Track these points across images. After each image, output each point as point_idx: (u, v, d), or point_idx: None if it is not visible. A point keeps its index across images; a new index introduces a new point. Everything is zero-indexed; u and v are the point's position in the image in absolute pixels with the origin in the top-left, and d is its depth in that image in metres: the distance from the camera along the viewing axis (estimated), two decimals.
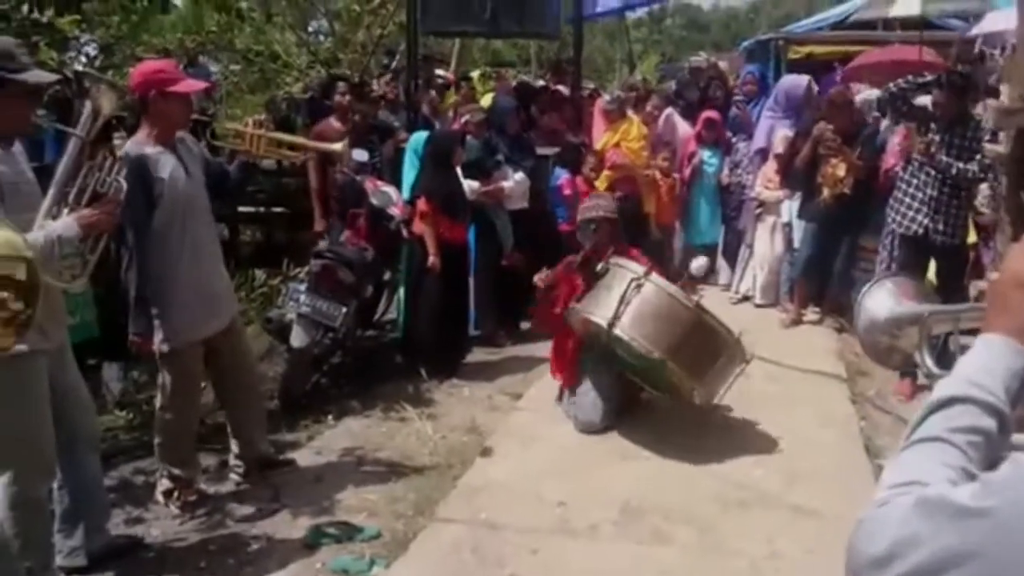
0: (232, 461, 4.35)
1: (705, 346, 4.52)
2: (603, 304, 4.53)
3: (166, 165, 3.72)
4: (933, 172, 5.32)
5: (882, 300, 1.54)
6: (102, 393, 5.00)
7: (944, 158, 5.25)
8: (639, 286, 4.47)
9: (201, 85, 4.23)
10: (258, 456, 4.36)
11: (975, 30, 9.09)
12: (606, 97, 7.90)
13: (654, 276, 4.53)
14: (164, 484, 4.05)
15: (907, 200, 5.44)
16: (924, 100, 5.70)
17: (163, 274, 3.77)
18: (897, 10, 8.86)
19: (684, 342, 4.43)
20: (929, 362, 1.41)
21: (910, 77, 5.46)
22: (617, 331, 4.40)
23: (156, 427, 4.02)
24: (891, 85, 5.50)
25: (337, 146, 4.40)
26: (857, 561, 0.94)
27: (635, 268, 4.58)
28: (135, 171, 3.55)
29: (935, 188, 5.32)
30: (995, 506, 0.84)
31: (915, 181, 5.41)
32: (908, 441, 1.04)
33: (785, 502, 4.00)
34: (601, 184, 6.92)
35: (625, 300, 4.42)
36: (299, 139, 4.33)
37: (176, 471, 4.02)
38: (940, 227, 5.34)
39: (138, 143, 3.73)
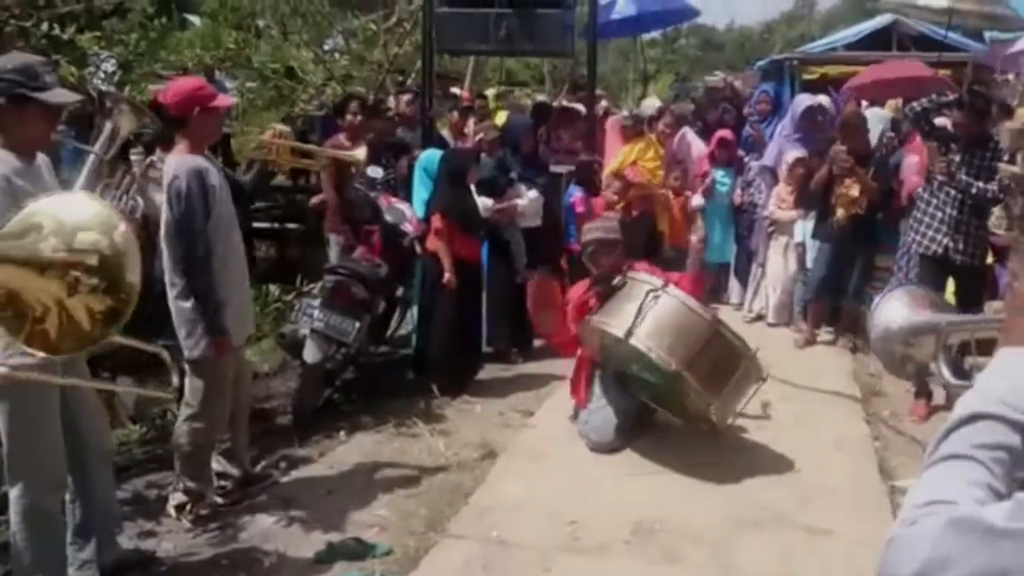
0: (215, 481, 4.30)
1: (722, 359, 4.49)
2: (619, 315, 4.52)
3: (215, 175, 3.85)
4: (953, 192, 5.30)
5: (898, 309, 1.53)
6: (115, 407, 5.01)
7: (964, 177, 5.23)
8: (656, 297, 4.46)
9: (231, 101, 4.39)
10: (242, 473, 4.36)
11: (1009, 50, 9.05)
12: (624, 113, 7.93)
13: (671, 288, 4.52)
14: (177, 498, 4.05)
15: (927, 220, 5.42)
16: (941, 120, 5.70)
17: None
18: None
19: (701, 354, 4.40)
20: (946, 372, 1.41)
21: (934, 96, 5.43)
22: (633, 341, 4.38)
23: (180, 437, 4.02)
24: (915, 104, 5.47)
25: (357, 153, 4.47)
26: None
27: (652, 280, 4.58)
28: (199, 181, 3.73)
29: (955, 208, 5.30)
30: None
31: (935, 201, 5.39)
32: (933, 458, 1.03)
33: (799, 522, 3.97)
34: (619, 204, 6.92)
35: (642, 311, 4.41)
36: (318, 148, 4.44)
37: (192, 484, 4.03)
38: (960, 247, 5.31)
39: (184, 156, 3.82)
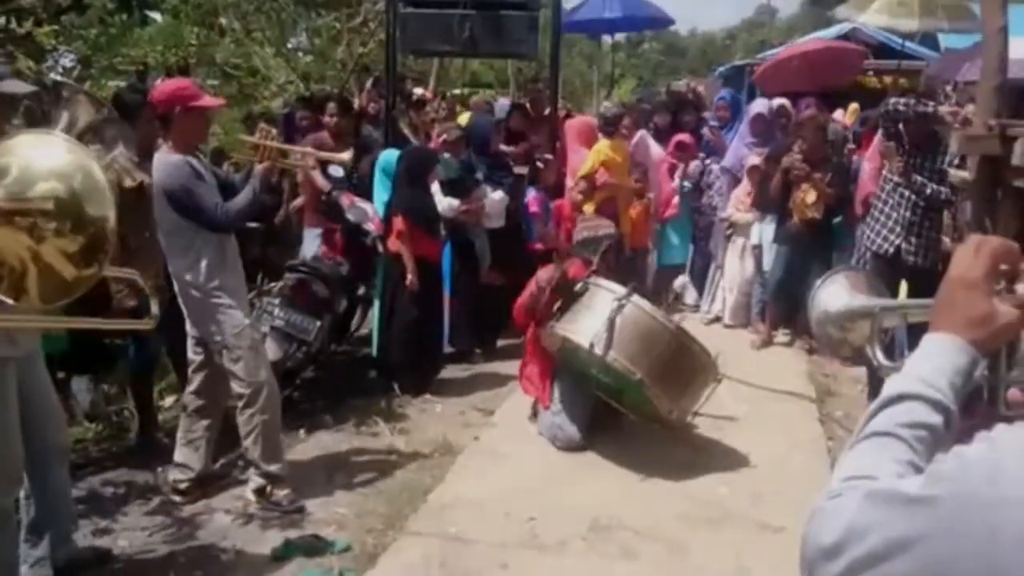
0: (175, 475, 4.28)
1: (683, 367, 4.58)
2: (584, 324, 4.57)
3: (202, 173, 3.93)
4: (907, 193, 5.41)
5: (836, 293, 1.58)
6: (70, 405, 4.96)
7: (919, 178, 5.34)
8: (621, 307, 4.52)
9: (219, 102, 4.41)
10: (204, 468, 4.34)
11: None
12: (602, 110, 7.96)
13: (636, 297, 4.58)
14: (256, 482, 4.09)
15: (881, 219, 5.53)
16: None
17: (216, 268, 3.95)
18: (883, 20, 8.93)
19: (664, 363, 4.49)
20: (879, 355, 1.45)
21: (911, 101, 5.48)
22: (598, 351, 4.44)
23: (243, 427, 4.06)
24: (893, 104, 5.48)
25: (344, 156, 4.51)
26: (810, 551, 0.98)
27: (616, 289, 4.63)
28: (193, 173, 3.85)
29: (909, 210, 5.41)
30: (940, 494, 0.88)
31: (891, 201, 5.49)
32: (859, 435, 1.08)
33: (752, 519, 4.05)
34: (589, 206, 6.96)
35: (611, 321, 4.46)
36: (307, 149, 4.51)
37: (271, 468, 4.07)
38: (912, 248, 5.42)
39: (167, 155, 3.91)
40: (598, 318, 4.51)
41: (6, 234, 1.23)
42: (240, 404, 4.05)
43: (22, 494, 3.38)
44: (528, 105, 8.25)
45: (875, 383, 5.39)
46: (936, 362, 1.09)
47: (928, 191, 5.33)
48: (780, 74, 9.78)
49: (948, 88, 8.70)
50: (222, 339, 3.98)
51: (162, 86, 4.13)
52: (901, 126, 5.43)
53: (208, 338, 4.03)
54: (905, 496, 0.91)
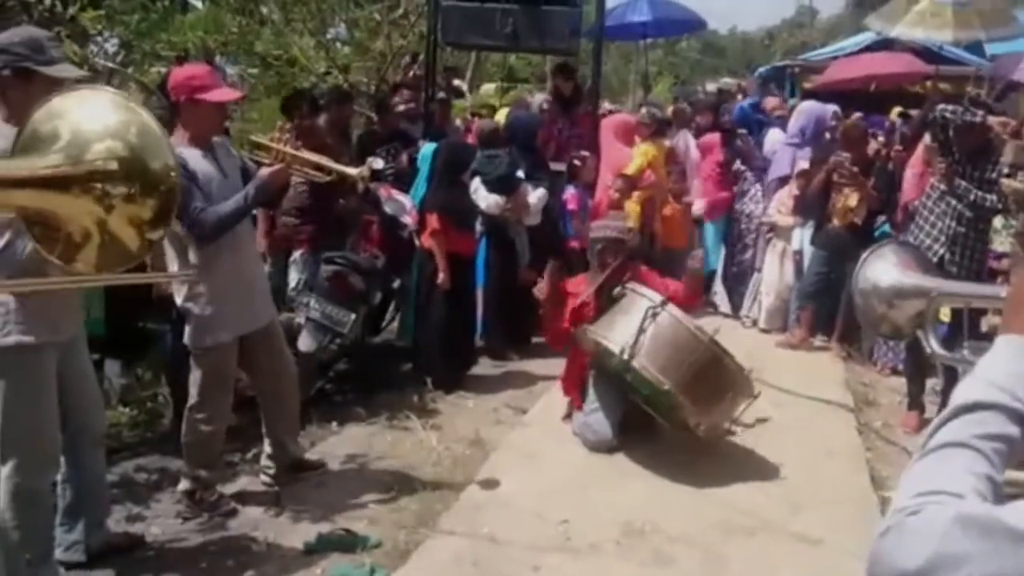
0: (264, 461, 4.33)
1: (715, 381, 4.50)
2: (618, 330, 4.51)
3: (200, 166, 3.71)
4: (954, 202, 5.29)
5: (886, 268, 1.50)
6: (104, 389, 4.99)
7: (962, 182, 5.22)
8: (655, 315, 4.45)
9: (235, 95, 4.20)
10: (289, 458, 4.35)
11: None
12: (644, 110, 7.88)
13: (671, 306, 4.51)
14: (185, 484, 4.02)
15: (926, 227, 5.41)
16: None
17: (202, 272, 3.76)
18: (919, 33, 8.78)
19: (695, 375, 4.41)
20: (933, 343, 1.38)
21: (959, 108, 5.34)
22: (627, 358, 4.39)
23: (185, 427, 3.99)
24: (940, 111, 5.37)
25: (356, 171, 4.35)
26: (884, 572, 0.91)
27: (652, 296, 4.56)
28: (183, 172, 3.60)
29: (954, 219, 5.29)
30: None
31: (936, 210, 5.38)
32: (930, 445, 1.01)
33: (789, 530, 3.97)
34: (633, 206, 6.88)
35: (642, 329, 4.40)
36: (323, 159, 4.32)
37: (201, 473, 4.00)
38: (956, 259, 5.31)
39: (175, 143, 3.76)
40: (632, 324, 4.46)
41: (70, 201, 1.18)
42: (189, 405, 3.97)
43: (59, 478, 3.39)
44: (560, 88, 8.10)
45: (915, 359, 5.32)
46: (1012, 366, 1.02)
47: (972, 197, 5.21)
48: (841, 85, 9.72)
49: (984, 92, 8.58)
50: (191, 343, 3.88)
51: (175, 72, 3.89)
52: (950, 133, 5.32)
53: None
54: (1008, 529, 0.84)
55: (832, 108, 7.57)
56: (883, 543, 0.92)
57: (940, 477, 0.96)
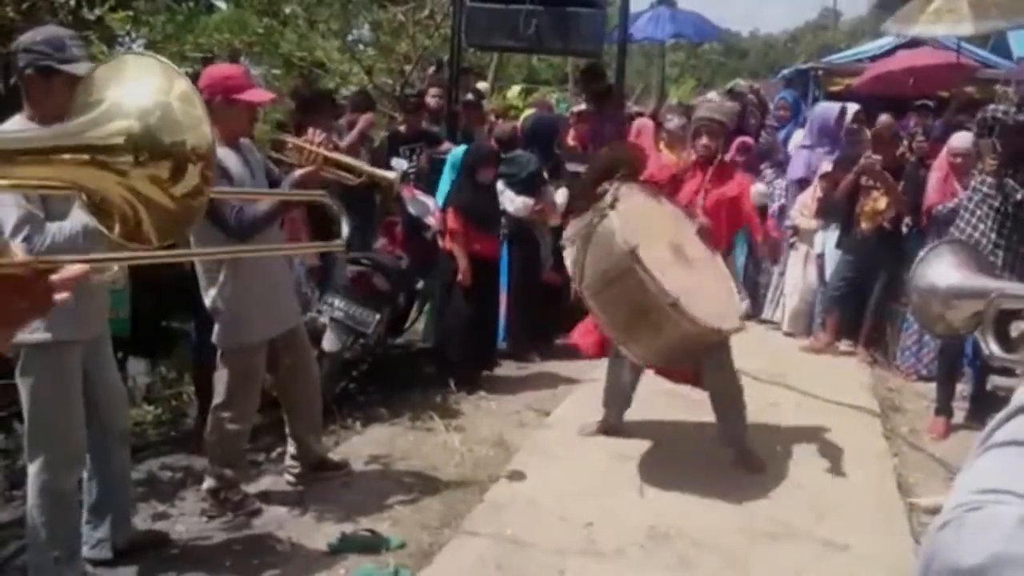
0: (288, 461, 4.35)
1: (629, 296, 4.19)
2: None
3: (233, 164, 3.72)
4: (996, 204, 5.19)
5: (944, 269, 1.48)
6: (129, 388, 5.02)
7: (1009, 181, 5.12)
8: (603, 217, 4.25)
9: (267, 96, 4.20)
10: (313, 457, 4.36)
11: None
12: (669, 118, 7.82)
13: (618, 208, 4.25)
14: (210, 483, 4.03)
15: (968, 230, 5.31)
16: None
17: (229, 273, 3.78)
18: (940, 30, 8.66)
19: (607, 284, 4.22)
20: (993, 345, 1.34)
21: (1011, 109, 5.23)
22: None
23: (210, 425, 4.00)
24: (991, 112, 5.31)
25: (391, 174, 4.33)
26: (938, 566, 0.88)
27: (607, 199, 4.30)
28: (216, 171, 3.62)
29: (997, 222, 5.18)
30: None
31: (978, 212, 5.28)
32: (990, 442, 0.97)
33: (815, 536, 3.93)
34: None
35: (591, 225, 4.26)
36: (356, 161, 4.28)
37: (225, 471, 4.01)
38: (998, 263, 5.21)
39: None
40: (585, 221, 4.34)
41: (94, 175, 1.16)
42: (215, 404, 3.98)
43: (84, 475, 3.41)
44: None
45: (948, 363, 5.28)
46: None
47: (1019, 197, 5.12)
48: (882, 84, 9.63)
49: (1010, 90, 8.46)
50: (220, 342, 3.90)
51: (210, 70, 3.88)
52: (996, 135, 5.25)
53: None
54: None
55: (853, 107, 7.49)
56: (942, 537, 0.89)
57: (1001, 475, 0.92)
